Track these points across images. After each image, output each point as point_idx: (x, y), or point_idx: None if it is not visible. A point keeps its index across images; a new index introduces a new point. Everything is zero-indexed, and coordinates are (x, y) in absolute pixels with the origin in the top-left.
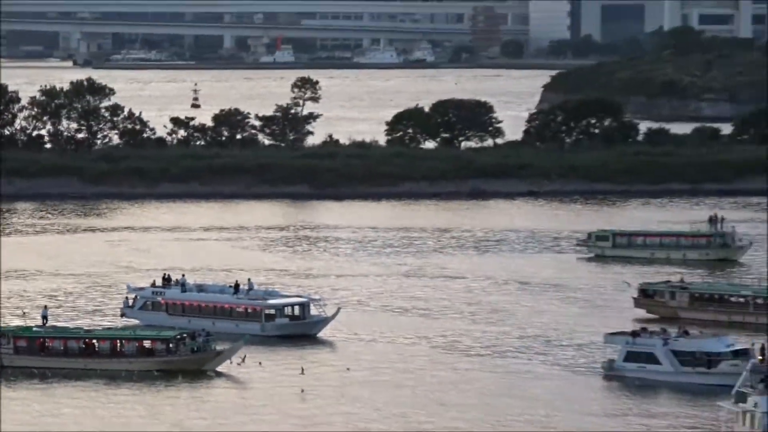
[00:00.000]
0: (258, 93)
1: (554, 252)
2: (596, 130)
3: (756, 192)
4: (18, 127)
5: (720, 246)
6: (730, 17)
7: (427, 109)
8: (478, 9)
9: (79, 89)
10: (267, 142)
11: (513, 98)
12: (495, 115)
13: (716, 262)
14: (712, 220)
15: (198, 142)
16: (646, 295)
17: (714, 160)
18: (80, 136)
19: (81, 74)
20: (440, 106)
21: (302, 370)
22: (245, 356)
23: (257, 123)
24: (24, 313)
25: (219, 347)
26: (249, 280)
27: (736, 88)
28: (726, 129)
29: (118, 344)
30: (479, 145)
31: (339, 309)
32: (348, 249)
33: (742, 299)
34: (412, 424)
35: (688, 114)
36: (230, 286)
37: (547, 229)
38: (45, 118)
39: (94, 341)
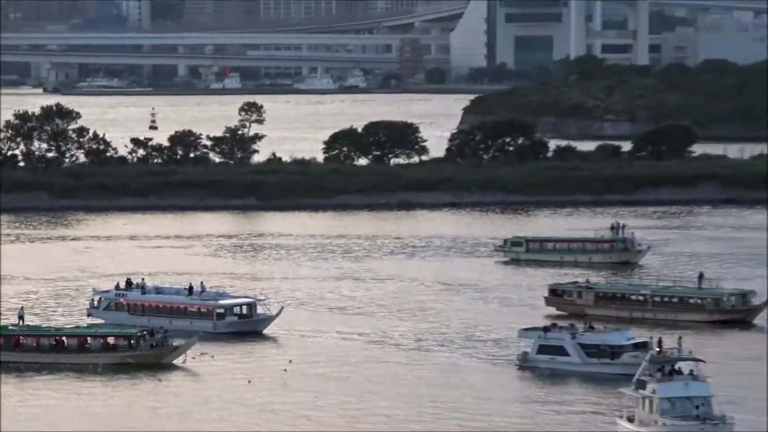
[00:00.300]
0: (209, 116)
1: (474, 257)
2: (511, 148)
3: (652, 202)
4: None
5: (621, 250)
6: (629, 47)
7: (360, 130)
8: (404, 40)
9: (48, 113)
10: (217, 159)
11: (436, 120)
12: (420, 134)
13: (618, 265)
14: (614, 228)
15: (155, 160)
16: (555, 295)
17: (615, 174)
18: (50, 155)
19: (50, 100)
20: (372, 127)
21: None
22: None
23: (208, 143)
24: None
25: (175, 343)
26: (201, 283)
27: (634, 110)
28: (626, 146)
29: (85, 341)
30: (407, 161)
31: (282, 308)
32: (290, 254)
33: (641, 297)
34: (350, 411)
35: (592, 133)
36: (185, 289)
37: (468, 236)
38: (18, 139)
39: (64, 338)
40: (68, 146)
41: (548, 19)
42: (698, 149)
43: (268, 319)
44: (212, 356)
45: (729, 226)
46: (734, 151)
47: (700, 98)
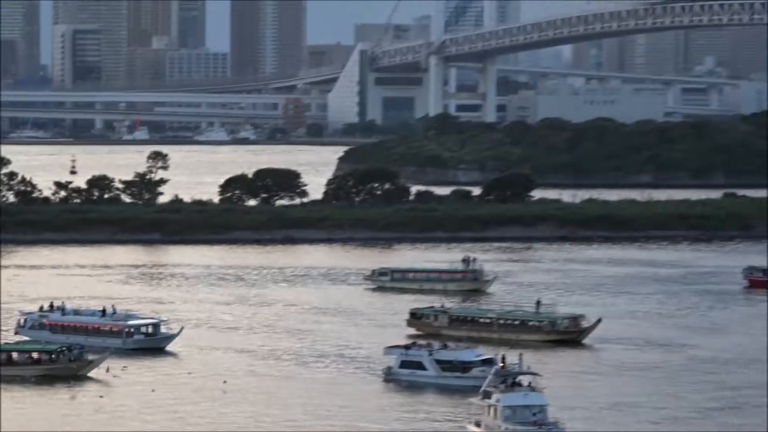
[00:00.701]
0: (121, 163)
1: (346, 284)
2: (378, 192)
3: (498, 239)
4: None
5: (472, 280)
6: (479, 106)
7: (250, 176)
8: (288, 99)
9: None
10: (128, 200)
11: (315, 167)
12: (302, 180)
13: (469, 292)
14: (465, 260)
15: (75, 200)
16: (415, 317)
17: (467, 214)
18: None
19: None
20: (260, 173)
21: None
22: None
23: (120, 186)
24: None
25: (90, 357)
26: (113, 306)
27: (483, 160)
28: (476, 191)
29: (13, 355)
30: (290, 203)
31: (182, 328)
32: (189, 282)
33: (488, 320)
34: (239, 417)
35: (448, 180)
36: (99, 311)
37: (341, 266)
38: None
39: None
40: (0, 188)
41: (411, 83)
42: (537, 194)
43: (170, 337)
44: (124, 367)
45: (562, 259)
46: (567, 196)
47: (539, 151)
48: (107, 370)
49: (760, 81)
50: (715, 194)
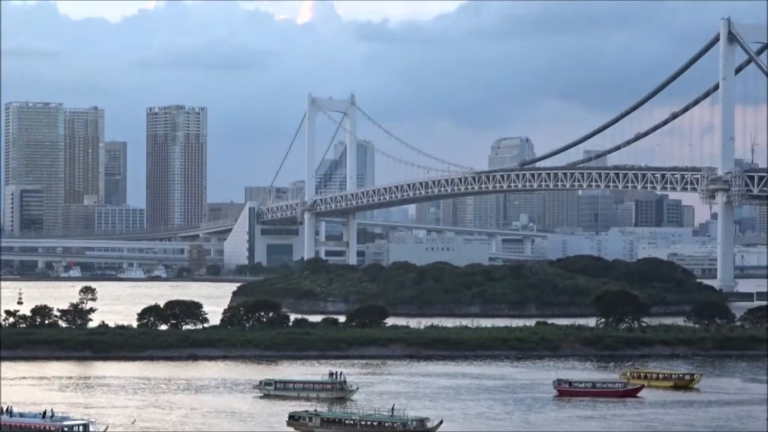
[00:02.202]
0: (59, 295)
1: (239, 393)
2: (264, 319)
3: (359, 357)
4: None
5: (339, 389)
6: (343, 252)
7: (162, 306)
8: (193, 245)
9: None
10: (64, 324)
11: (214, 299)
12: (203, 309)
13: (337, 399)
14: (332, 374)
15: (21, 325)
16: (294, 419)
17: (335, 337)
18: None
19: None
20: (170, 304)
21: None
22: None
23: (58, 313)
24: None
25: None
26: (51, 409)
27: (347, 294)
28: (342, 318)
29: None
30: (194, 327)
31: (107, 427)
32: (113, 390)
33: (352, 421)
34: None
35: (319, 309)
36: (40, 413)
37: (234, 378)
38: None
39: None
40: None
41: (289, 233)
42: (390, 321)
43: None
44: None
45: (410, 373)
46: (414, 323)
47: (391, 287)
48: None
49: (563, 234)
50: (530, 322)
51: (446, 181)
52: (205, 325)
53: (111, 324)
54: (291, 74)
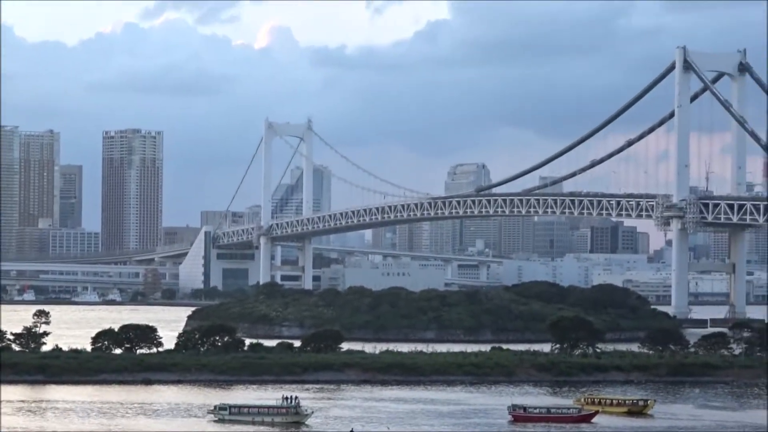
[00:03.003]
0: (13, 319)
1: (194, 417)
2: (219, 343)
3: (314, 381)
4: None
5: (294, 413)
6: (299, 276)
7: (116, 329)
8: (148, 269)
9: None
10: (18, 348)
11: (169, 323)
12: (158, 333)
13: (292, 423)
14: (286, 398)
15: None
16: None
17: (290, 361)
18: None
19: None
20: (125, 328)
21: None
22: None
23: (11, 337)
24: None
25: None
26: None
27: (303, 318)
28: (297, 343)
29: None
30: (148, 351)
31: None
32: (66, 414)
33: None
34: None
35: (275, 334)
36: None
37: (189, 402)
38: None
39: None
40: None
41: (245, 257)
42: (345, 346)
43: None
44: None
45: (365, 398)
46: (369, 347)
47: (347, 312)
48: None
49: (519, 260)
50: (485, 347)
51: (402, 206)
52: (160, 349)
53: (65, 348)
54: (248, 99)
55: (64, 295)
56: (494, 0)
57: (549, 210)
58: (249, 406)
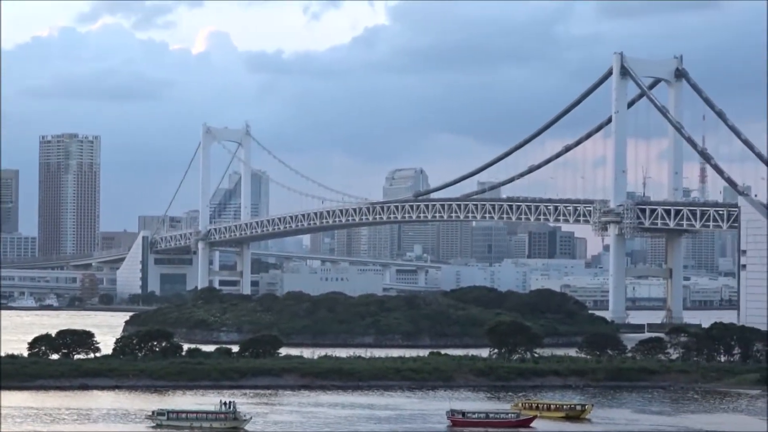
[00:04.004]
0: None
1: (132, 423)
2: (157, 348)
3: (252, 386)
4: None
5: (233, 419)
6: (237, 281)
7: (53, 335)
8: (85, 275)
9: None
10: None
11: (106, 328)
12: (95, 338)
13: (230, 429)
14: (225, 403)
15: None
16: None
17: (228, 367)
18: None
19: None
20: (62, 333)
21: None
22: None
23: None
24: None
25: None
26: None
27: (241, 324)
28: (235, 348)
29: None
30: (86, 356)
31: None
32: (3, 420)
33: None
34: None
35: (213, 339)
36: None
37: (126, 408)
38: None
39: None
40: None
41: (183, 262)
42: (283, 351)
43: None
44: None
45: (304, 403)
46: (307, 353)
47: (285, 317)
48: None
49: (457, 265)
50: (423, 352)
51: (341, 211)
52: (97, 354)
53: (1, 353)
54: (186, 104)
55: (1, 300)
56: (433, 3)
57: (487, 215)
58: (187, 412)
